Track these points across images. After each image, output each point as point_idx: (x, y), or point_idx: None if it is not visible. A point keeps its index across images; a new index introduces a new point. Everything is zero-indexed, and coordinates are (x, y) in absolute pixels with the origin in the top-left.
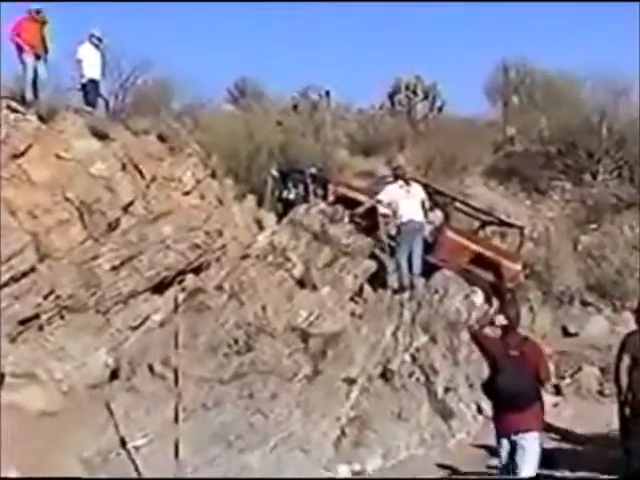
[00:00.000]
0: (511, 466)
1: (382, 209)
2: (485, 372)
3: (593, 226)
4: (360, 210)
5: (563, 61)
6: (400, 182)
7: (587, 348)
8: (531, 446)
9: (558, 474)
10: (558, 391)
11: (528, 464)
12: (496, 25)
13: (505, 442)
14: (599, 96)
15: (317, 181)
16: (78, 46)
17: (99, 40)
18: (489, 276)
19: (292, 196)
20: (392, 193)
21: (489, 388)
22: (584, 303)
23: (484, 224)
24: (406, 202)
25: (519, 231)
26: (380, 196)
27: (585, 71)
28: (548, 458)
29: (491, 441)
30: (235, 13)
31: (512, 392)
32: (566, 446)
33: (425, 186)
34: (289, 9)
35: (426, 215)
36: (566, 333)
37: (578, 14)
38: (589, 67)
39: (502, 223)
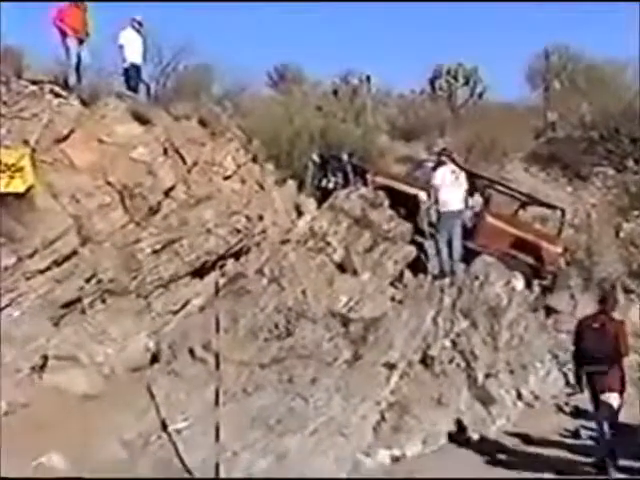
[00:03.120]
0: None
1: (423, 196)
2: (526, 358)
3: (635, 213)
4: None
5: (605, 46)
6: (452, 167)
7: (629, 335)
8: (613, 403)
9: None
10: None
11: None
12: (538, 10)
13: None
14: None
15: (355, 170)
16: (120, 31)
17: (140, 25)
18: (529, 259)
19: (331, 185)
20: (442, 177)
21: (576, 354)
22: (626, 290)
23: (524, 204)
24: (452, 189)
25: (560, 213)
26: (434, 182)
27: (628, 56)
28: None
29: (530, 428)
30: None
31: (592, 354)
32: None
33: (464, 171)
34: None
35: (466, 204)
36: None
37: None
38: (632, 52)
39: (543, 204)
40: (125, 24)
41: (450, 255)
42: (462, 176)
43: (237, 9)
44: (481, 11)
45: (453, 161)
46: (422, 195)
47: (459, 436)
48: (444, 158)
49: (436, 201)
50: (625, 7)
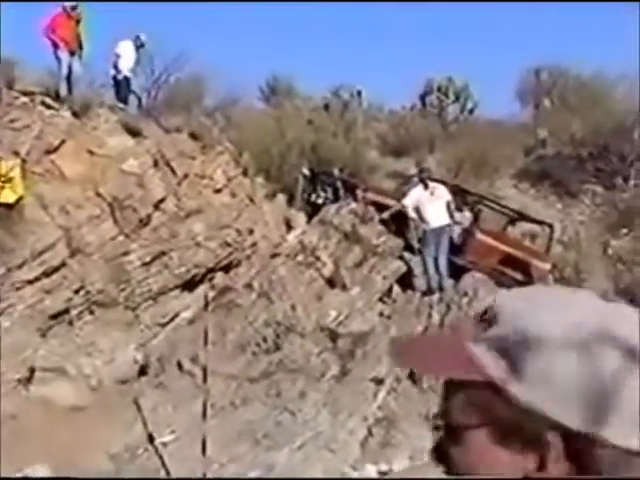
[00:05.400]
0: None
1: (411, 213)
2: None
3: (624, 230)
4: (385, 215)
5: (596, 63)
6: (424, 184)
7: None
8: None
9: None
10: None
11: None
12: (529, 27)
13: None
14: (632, 99)
15: (346, 185)
16: (119, 41)
17: (142, 45)
18: (518, 276)
19: (320, 200)
20: (417, 197)
21: None
22: None
23: (512, 220)
24: (431, 205)
25: (549, 230)
26: (405, 201)
27: (618, 74)
28: None
29: None
30: (267, 11)
31: None
32: None
33: (453, 187)
34: (321, 8)
35: (452, 216)
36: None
37: (612, 16)
38: (622, 70)
39: (531, 220)
40: (125, 35)
41: (437, 271)
42: (439, 189)
43: (229, 22)
44: (472, 28)
45: (425, 179)
46: (411, 211)
47: None
48: (420, 177)
49: (421, 219)
50: (616, 22)
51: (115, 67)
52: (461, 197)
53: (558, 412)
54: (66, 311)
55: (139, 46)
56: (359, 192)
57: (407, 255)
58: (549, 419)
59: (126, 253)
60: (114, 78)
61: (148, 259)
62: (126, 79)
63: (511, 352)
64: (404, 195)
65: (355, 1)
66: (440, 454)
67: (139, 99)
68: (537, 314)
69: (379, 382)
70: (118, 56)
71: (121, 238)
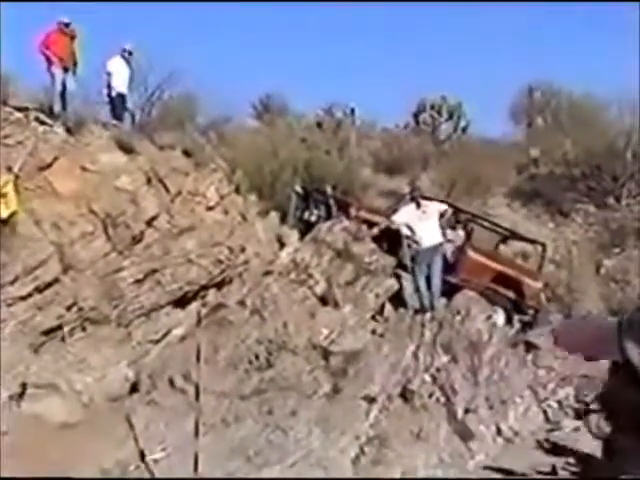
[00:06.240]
0: None
1: (405, 231)
2: (505, 394)
3: (616, 250)
4: (374, 232)
5: (589, 84)
6: (415, 203)
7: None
8: None
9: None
10: (579, 416)
11: None
12: (523, 47)
13: None
14: (625, 120)
15: (338, 203)
16: (108, 59)
17: (130, 54)
18: (510, 294)
19: (313, 218)
20: (407, 215)
21: None
22: None
23: (505, 238)
24: (423, 224)
25: (541, 248)
26: (394, 218)
27: (611, 95)
28: None
29: (509, 464)
30: (262, 29)
31: None
32: None
33: (447, 204)
34: (315, 26)
35: (444, 233)
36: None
37: (606, 37)
38: (615, 91)
39: (524, 239)
40: (114, 52)
41: (429, 289)
42: (431, 206)
43: (222, 40)
44: (466, 47)
45: (416, 197)
46: (404, 229)
47: None
48: (412, 195)
49: (414, 237)
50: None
51: (108, 86)
52: (454, 215)
53: None
54: (58, 327)
55: (128, 56)
56: (352, 210)
57: (399, 273)
58: None
59: (119, 270)
60: (109, 96)
61: (140, 276)
62: (121, 96)
63: None
64: (395, 212)
65: (347, 19)
66: None
67: (132, 116)
68: None
69: (371, 400)
70: (109, 74)
71: (114, 255)
